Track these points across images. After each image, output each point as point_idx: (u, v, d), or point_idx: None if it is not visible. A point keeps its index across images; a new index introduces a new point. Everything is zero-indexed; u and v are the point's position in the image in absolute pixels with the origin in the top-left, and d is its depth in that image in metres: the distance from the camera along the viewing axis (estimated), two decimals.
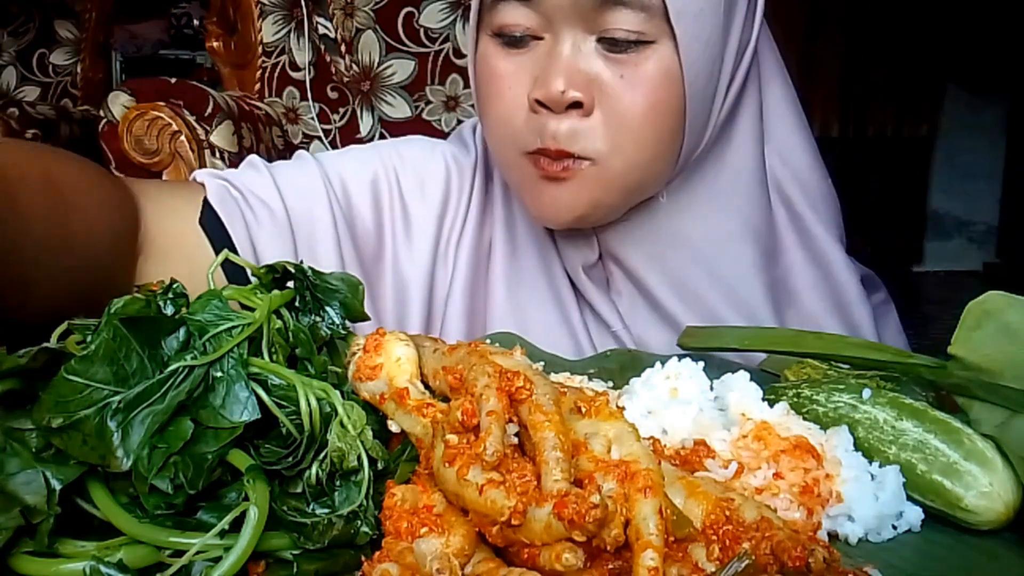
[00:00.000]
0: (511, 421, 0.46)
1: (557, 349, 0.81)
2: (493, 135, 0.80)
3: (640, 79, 0.73)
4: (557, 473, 0.41)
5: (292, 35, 1.66)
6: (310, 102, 1.67)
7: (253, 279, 0.58)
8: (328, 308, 0.56)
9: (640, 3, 0.71)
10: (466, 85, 1.69)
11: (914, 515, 0.53)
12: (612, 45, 0.73)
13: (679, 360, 0.62)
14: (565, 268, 0.88)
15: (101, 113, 1.38)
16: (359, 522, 0.47)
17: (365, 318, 0.58)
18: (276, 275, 0.57)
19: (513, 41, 0.76)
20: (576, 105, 0.73)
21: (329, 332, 0.56)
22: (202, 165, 1.36)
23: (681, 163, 0.79)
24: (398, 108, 1.70)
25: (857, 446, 0.55)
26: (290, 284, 0.57)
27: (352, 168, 0.88)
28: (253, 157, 0.88)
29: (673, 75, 0.73)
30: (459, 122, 1.70)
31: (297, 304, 0.56)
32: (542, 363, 0.72)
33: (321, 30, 1.66)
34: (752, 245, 0.84)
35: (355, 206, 0.86)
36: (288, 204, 0.83)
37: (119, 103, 1.36)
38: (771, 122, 0.86)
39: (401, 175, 0.89)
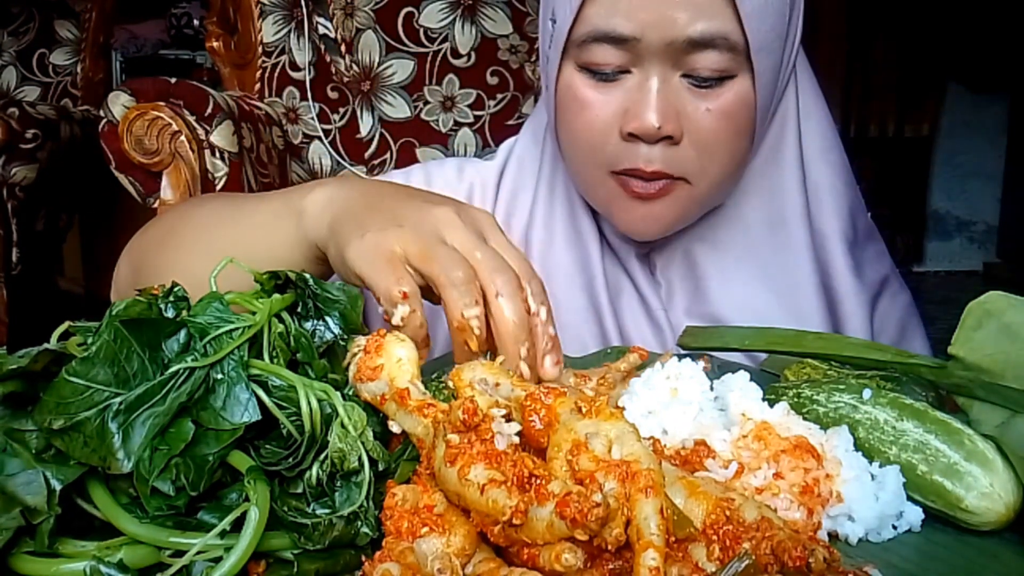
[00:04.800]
0: (509, 420, 0.46)
1: (583, 334, 0.89)
2: (579, 157, 0.85)
3: (723, 110, 0.79)
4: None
5: (292, 35, 1.66)
6: (310, 102, 1.67)
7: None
8: (328, 318, 0.56)
9: (727, 43, 0.76)
10: (462, 85, 1.69)
11: (914, 515, 0.53)
12: (698, 81, 0.78)
13: (679, 360, 0.62)
14: (604, 259, 0.92)
15: (101, 113, 1.38)
16: (360, 523, 0.47)
17: (363, 331, 0.58)
18: (278, 281, 0.57)
19: (603, 76, 0.80)
20: (667, 137, 0.78)
21: (329, 340, 0.56)
22: (202, 165, 1.36)
23: (745, 166, 0.87)
24: (398, 108, 1.70)
25: (858, 446, 0.55)
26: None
27: None
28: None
29: (748, 102, 0.80)
30: (456, 123, 1.71)
31: (299, 310, 0.56)
32: None
33: (321, 30, 1.65)
34: (802, 227, 0.89)
35: None
36: None
37: (119, 103, 1.36)
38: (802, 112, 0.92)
39: None
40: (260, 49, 1.66)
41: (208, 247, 0.75)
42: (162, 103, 1.35)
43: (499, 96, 1.71)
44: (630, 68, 0.79)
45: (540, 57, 0.89)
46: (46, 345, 0.47)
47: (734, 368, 0.63)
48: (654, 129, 0.77)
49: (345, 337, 0.57)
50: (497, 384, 0.52)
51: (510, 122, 1.71)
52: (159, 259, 0.79)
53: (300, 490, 0.47)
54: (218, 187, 1.39)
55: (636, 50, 0.77)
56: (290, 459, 0.47)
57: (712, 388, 0.60)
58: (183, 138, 1.33)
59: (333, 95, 1.69)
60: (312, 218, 0.68)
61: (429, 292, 0.61)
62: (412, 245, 0.60)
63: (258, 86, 1.68)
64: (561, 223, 0.93)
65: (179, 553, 0.43)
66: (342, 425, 0.49)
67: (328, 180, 0.78)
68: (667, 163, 0.79)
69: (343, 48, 1.65)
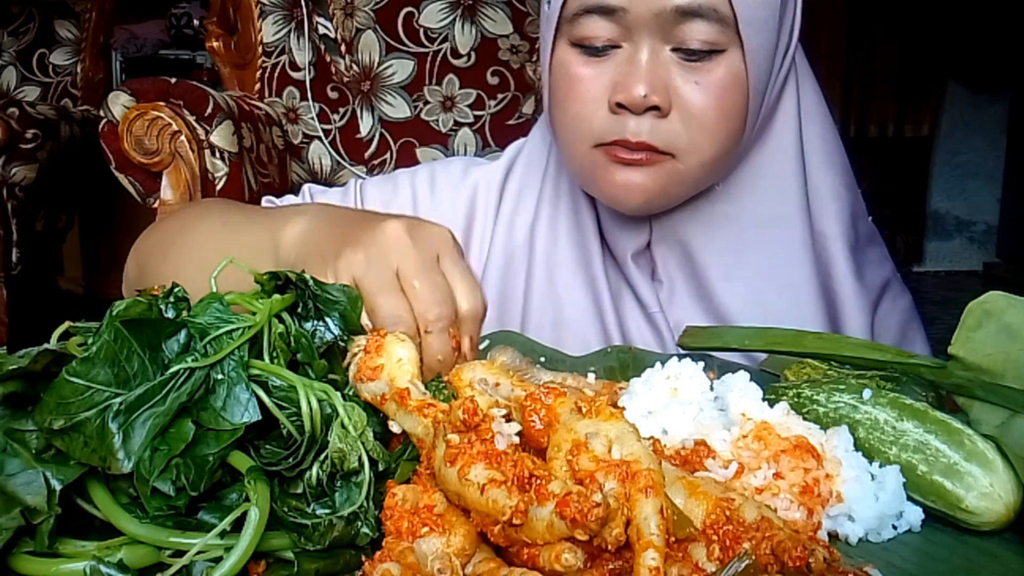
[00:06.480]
0: (509, 420, 0.46)
1: (585, 331, 0.89)
2: (567, 130, 0.85)
3: (712, 85, 0.79)
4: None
5: (292, 35, 1.66)
6: (310, 102, 1.67)
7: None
8: (328, 318, 0.56)
9: (715, 15, 0.77)
10: (462, 86, 1.69)
11: (914, 515, 0.53)
12: (687, 54, 0.78)
13: (679, 360, 0.62)
14: (605, 260, 0.93)
15: (101, 113, 1.38)
16: (360, 523, 0.47)
17: (362, 331, 0.58)
18: (279, 282, 0.57)
19: (594, 51, 0.81)
20: (654, 108, 0.79)
21: (329, 340, 0.56)
22: (202, 165, 1.36)
23: (739, 154, 0.86)
24: (398, 108, 1.70)
25: (858, 446, 0.55)
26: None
27: (386, 195, 0.97)
28: (305, 187, 0.99)
29: (740, 79, 0.80)
30: (456, 123, 1.71)
31: (299, 311, 0.56)
32: (543, 358, 0.73)
33: (321, 30, 1.66)
34: (801, 227, 0.89)
35: None
36: None
37: (119, 103, 1.36)
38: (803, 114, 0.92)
39: (432, 194, 0.97)
40: (260, 49, 1.67)
41: (200, 261, 0.75)
42: (162, 103, 1.35)
43: (499, 96, 1.71)
44: (620, 43, 0.80)
45: (540, 46, 0.89)
46: (46, 345, 0.47)
47: (734, 368, 0.63)
48: (640, 98, 0.78)
49: (345, 337, 0.57)
50: (497, 384, 0.52)
51: (510, 122, 1.71)
52: (162, 267, 0.81)
53: (300, 490, 0.47)
54: (218, 187, 1.39)
55: (625, 22, 0.78)
56: (290, 459, 0.47)
57: (712, 388, 0.60)
58: (183, 138, 1.34)
59: (333, 95, 1.69)
60: (285, 254, 0.71)
61: None
62: (364, 279, 0.62)
63: (258, 86, 1.68)
64: (565, 222, 0.94)
65: (179, 553, 0.43)
66: (342, 425, 0.49)
67: (303, 209, 0.79)
68: (654, 136, 0.79)
69: (343, 48, 1.65)
